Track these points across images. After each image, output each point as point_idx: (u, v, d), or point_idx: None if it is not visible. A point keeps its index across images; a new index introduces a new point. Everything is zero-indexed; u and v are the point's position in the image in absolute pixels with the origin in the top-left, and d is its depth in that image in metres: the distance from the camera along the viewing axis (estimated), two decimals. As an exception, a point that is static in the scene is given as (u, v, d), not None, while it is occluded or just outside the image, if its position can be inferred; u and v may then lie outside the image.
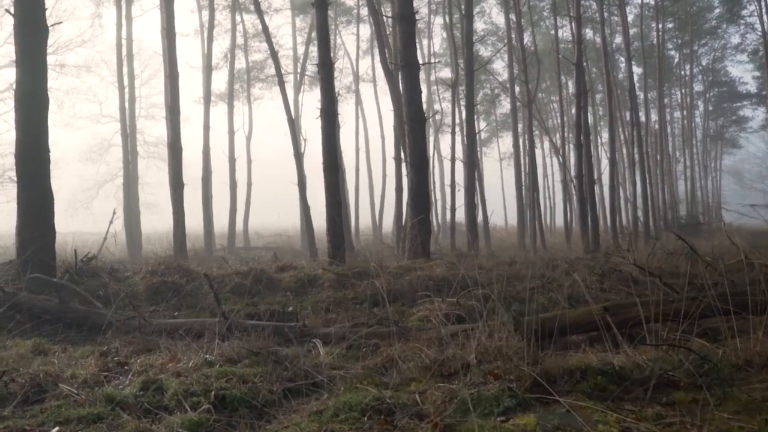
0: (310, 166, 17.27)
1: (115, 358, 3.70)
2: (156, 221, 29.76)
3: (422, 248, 9.16)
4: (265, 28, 15.21)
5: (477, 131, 18.33)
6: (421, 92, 9.87)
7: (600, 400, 2.47)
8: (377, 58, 33.81)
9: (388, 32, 17.30)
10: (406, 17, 9.73)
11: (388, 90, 15.50)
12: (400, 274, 7.80)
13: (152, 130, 34.32)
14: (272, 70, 30.20)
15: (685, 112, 42.31)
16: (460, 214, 21.15)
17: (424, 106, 21.42)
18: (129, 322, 5.53)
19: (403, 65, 9.64)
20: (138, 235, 19.57)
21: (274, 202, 39.05)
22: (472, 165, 17.05)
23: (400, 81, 18.71)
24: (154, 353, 4.05)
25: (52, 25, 7.12)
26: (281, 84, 15.62)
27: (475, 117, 23.21)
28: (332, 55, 12.99)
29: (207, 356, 3.38)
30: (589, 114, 39.96)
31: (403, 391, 2.82)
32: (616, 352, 3.82)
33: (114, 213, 15.20)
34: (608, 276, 8.19)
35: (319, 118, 8.81)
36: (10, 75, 25.50)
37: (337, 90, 28.33)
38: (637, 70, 34.50)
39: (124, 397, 2.82)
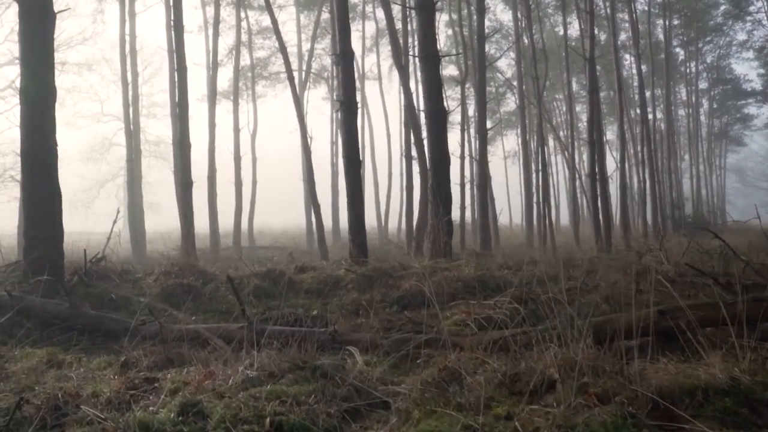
0: (315, 164, 16.90)
1: (141, 373, 3.30)
2: (158, 221, 29.42)
3: (445, 248, 8.76)
4: (274, 22, 14.80)
5: (489, 128, 17.95)
6: (442, 85, 9.48)
7: (735, 428, 2.09)
8: (383, 55, 33.47)
9: (397, 27, 16.87)
10: (426, 7, 9.33)
11: (400, 85, 15.08)
12: (425, 275, 7.40)
13: (153, 128, 33.96)
14: (276, 68, 29.82)
15: (690, 110, 41.97)
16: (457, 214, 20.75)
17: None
18: (145, 327, 5.14)
19: (422, 57, 9.24)
20: (142, 235, 19.18)
21: (278, 201, 38.64)
22: (484, 163, 16.65)
23: (411, 74, 18.28)
24: (182, 366, 3.66)
25: (59, 12, 6.72)
26: (290, 79, 15.21)
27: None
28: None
29: (248, 372, 2.98)
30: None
31: (490, 416, 2.43)
32: (697, 362, 3.44)
33: (118, 212, 14.82)
34: (643, 276, 7.80)
35: (339, 111, 8.40)
36: (10, 73, 25.09)
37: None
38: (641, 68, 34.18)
39: (160, 423, 2.42)
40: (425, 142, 18.22)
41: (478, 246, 17.94)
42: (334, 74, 28.12)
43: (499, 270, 7.98)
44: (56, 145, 6.49)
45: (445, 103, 29.97)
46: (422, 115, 18.46)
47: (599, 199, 18.85)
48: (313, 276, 7.08)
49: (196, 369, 3.22)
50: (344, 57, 8.24)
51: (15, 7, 20.46)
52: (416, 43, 23.21)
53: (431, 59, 9.17)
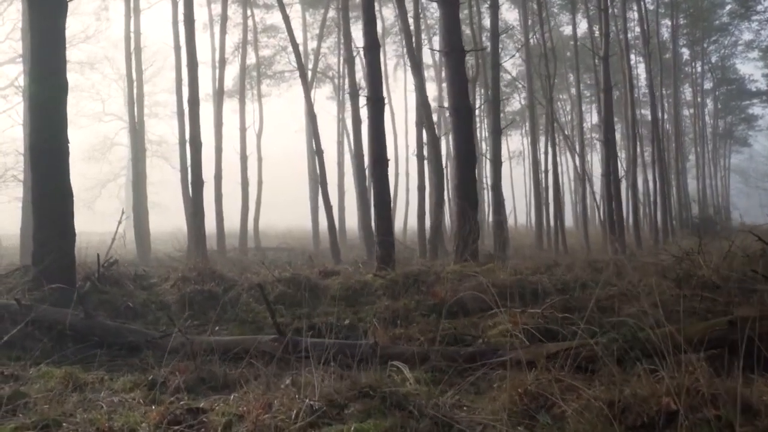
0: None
1: (181, 402, 2.87)
2: (158, 221, 28.93)
3: (473, 251, 8.37)
4: (286, 17, 14.38)
5: (503, 127, 17.56)
6: (467, 80, 9.08)
7: None
8: (388, 54, 33.02)
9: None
10: (450, 0, 8.93)
11: (405, 83, 14.65)
12: (457, 280, 6.99)
13: (155, 128, 33.52)
14: (281, 66, 29.42)
15: (696, 110, 41.64)
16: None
17: (434, 104, 20.69)
18: (168, 339, 4.73)
19: (446, 52, 8.85)
20: (147, 236, 18.74)
21: (280, 202, 38.20)
22: (498, 162, 16.25)
23: (422, 69, 17.84)
24: (216, 386, 3.25)
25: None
26: (303, 76, 14.80)
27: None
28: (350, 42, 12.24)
29: (312, 402, 2.56)
30: (595, 112, 39.36)
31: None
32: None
33: (123, 212, 14.43)
34: (686, 281, 7.39)
35: (365, 107, 7.98)
36: (11, 71, 24.63)
37: (344, 89, 27.38)
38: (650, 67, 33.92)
39: (221, 472, 2.01)
40: (441, 140, 17.89)
41: (489, 247, 17.54)
42: (341, 73, 27.71)
43: (533, 275, 7.59)
44: (68, 143, 6.07)
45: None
46: (434, 115, 17.98)
47: (614, 199, 18.58)
48: (339, 282, 6.67)
49: (243, 396, 2.79)
50: (370, 50, 7.83)
51: (17, 4, 19.75)
52: (424, 40, 22.71)
53: (456, 54, 8.76)
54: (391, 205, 8.48)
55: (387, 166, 7.73)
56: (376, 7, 29.44)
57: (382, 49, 30.97)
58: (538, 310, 5.47)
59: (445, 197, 16.84)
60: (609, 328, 4.83)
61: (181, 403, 2.83)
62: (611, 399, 2.51)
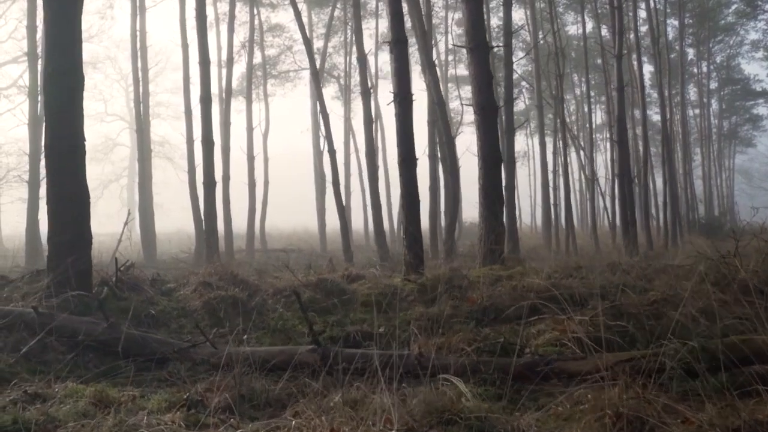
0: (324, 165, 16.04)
1: (237, 431, 2.55)
2: (161, 221, 28.67)
3: (500, 254, 8.08)
4: (298, 14, 14.07)
5: (516, 127, 17.29)
6: (492, 77, 8.79)
7: None
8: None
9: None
10: (474, -6, 8.63)
11: (425, 81, 14.37)
12: (490, 285, 6.69)
13: (157, 128, 33.24)
14: (286, 66, 29.10)
15: (702, 111, 41.35)
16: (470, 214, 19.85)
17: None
18: (197, 350, 4.43)
19: (471, 47, 8.54)
20: (153, 237, 18.42)
21: (286, 203, 37.91)
22: (512, 162, 15.97)
23: (435, 68, 17.55)
24: (258, 404, 2.94)
25: (88, -10, 6.00)
26: (314, 74, 14.50)
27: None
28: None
29: (390, 430, 2.25)
30: (601, 111, 39.03)
31: None
32: None
33: (129, 214, 14.16)
34: (727, 286, 7.08)
35: (393, 104, 7.66)
36: (13, 71, 24.36)
37: (351, 88, 27.02)
38: (648, 68, 33.80)
39: None
40: (455, 139, 17.58)
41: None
42: (347, 72, 27.39)
43: (565, 278, 7.28)
44: (84, 139, 5.77)
45: (459, 103, 28.93)
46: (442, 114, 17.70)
47: (626, 200, 18.35)
48: (368, 287, 6.36)
49: (306, 422, 2.48)
50: (397, 44, 7.51)
51: (19, 4, 19.38)
52: (434, 38, 22.16)
53: (480, 49, 8.46)
54: (419, 207, 8.11)
55: (415, 165, 7.44)
56: (380, 7, 29.22)
57: (381, 50, 30.50)
58: (585, 317, 5.15)
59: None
60: (662, 335, 4.54)
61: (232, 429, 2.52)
62: (733, 425, 2.20)
